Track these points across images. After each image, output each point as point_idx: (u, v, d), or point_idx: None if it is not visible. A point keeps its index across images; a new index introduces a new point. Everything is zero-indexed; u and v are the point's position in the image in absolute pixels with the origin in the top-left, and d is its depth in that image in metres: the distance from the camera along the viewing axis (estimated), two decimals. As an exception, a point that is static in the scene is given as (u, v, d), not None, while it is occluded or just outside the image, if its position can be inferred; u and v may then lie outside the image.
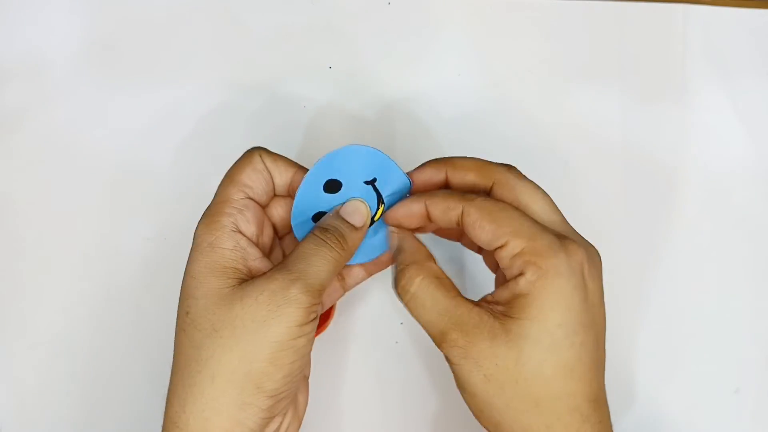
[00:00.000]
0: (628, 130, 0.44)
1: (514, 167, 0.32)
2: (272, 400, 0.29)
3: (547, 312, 0.28)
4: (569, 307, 0.28)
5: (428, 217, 0.32)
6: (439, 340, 0.30)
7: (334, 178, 0.33)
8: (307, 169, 0.32)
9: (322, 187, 0.33)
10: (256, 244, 0.32)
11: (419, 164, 0.34)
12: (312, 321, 0.29)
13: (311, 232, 0.31)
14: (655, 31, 0.45)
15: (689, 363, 0.42)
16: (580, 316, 0.28)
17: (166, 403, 0.30)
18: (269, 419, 0.30)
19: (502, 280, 0.31)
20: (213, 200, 0.32)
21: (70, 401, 0.41)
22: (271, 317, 0.28)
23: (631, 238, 0.43)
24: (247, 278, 0.30)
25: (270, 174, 0.32)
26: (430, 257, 0.32)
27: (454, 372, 0.30)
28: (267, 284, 0.29)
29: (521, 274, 0.28)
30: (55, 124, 0.44)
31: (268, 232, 0.33)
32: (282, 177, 0.33)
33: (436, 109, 0.44)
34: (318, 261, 0.30)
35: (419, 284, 0.30)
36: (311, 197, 0.33)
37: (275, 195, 0.34)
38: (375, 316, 0.42)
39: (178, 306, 0.30)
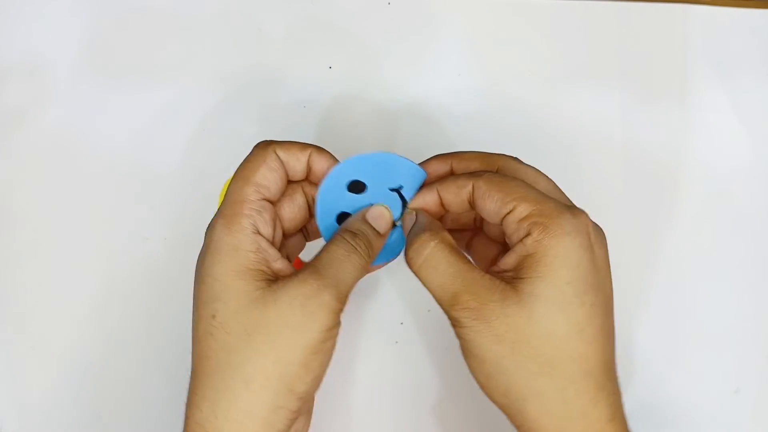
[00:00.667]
0: (628, 130, 0.44)
1: (516, 157, 0.33)
2: (301, 401, 0.29)
3: (556, 269, 0.28)
4: (577, 265, 0.28)
5: (442, 205, 0.32)
6: (450, 303, 0.29)
7: (359, 179, 0.33)
8: (320, 147, 0.32)
9: (345, 186, 0.33)
10: (273, 245, 0.31)
11: (424, 159, 0.34)
12: (339, 324, 0.30)
13: (340, 234, 0.31)
14: (655, 31, 0.45)
15: (689, 363, 0.42)
16: (588, 276, 0.28)
17: (190, 407, 0.29)
18: (295, 420, 0.30)
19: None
20: (228, 199, 0.31)
21: (70, 401, 0.41)
22: (305, 322, 0.28)
23: (631, 237, 0.43)
24: (272, 277, 0.30)
25: (285, 169, 0.32)
26: (444, 229, 0.32)
27: (462, 338, 0.29)
28: (300, 288, 0.29)
29: (528, 234, 0.29)
30: (55, 123, 0.44)
31: (279, 233, 0.33)
32: (299, 163, 0.32)
33: (436, 109, 0.44)
34: (349, 267, 0.30)
35: (434, 248, 0.30)
36: (334, 195, 0.33)
37: (290, 182, 0.33)
38: (375, 317, 0.42)
39: (198, 309, 0.30)
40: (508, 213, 0.29)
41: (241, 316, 0.29)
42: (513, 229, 0.29)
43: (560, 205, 0.29)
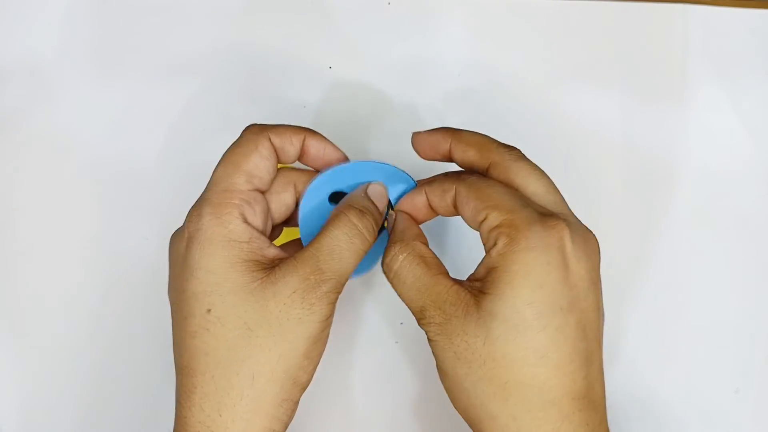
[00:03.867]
0: (628, 130, 0.44)
1: (517, 149, 0.31)
2: (303, 391, 0.29)
3: (516, 288, 0.26)
4: (541, 285, 0.26)
5: (431, 207, 0.32)
6: (418, 317, 0.29)
7: (340, 189, 0.32)
8: (313, 130, 0.32)
9: (327, 198, 0.32)
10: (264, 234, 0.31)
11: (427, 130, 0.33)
12: (334, 311, 0.30)
13: (344, 212, 0.30)
14: (655, 31, 0.45)
15: (689, 363, 0.42)
16: (555, 296, 0.27)
17: (189, 406, 0.28)
18: (296, 409, 0.30)
19: None
20: (215, 187, 0.30)
21: (70, 401, 0.41)
22: (306, 314, 0.28)
23: (631, 237, 0.43)
24: (268, 266, 0.29)
25: (276, 156, 0.31)
26: (419, 236, 0.31)
27: (431, 350, 0.29)
28: (300, 282, 0.28)
29: (494, 245, 0.27)
30: (54, 123, 0.44)
31: (269, 223, 0.32)
32: (293, 147, 0.31)
33: (436, 109, 0.44)
34: (350, 257, 0.29)
35: (402, 262, 0.30)
36: (316, 208, 0.32)
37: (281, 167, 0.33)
38: (375, 316, 0.42)
39: (189, 303, 0.29)
40: (482, 221, 0.28)
41: (240, 309, 0.28)
42: (485, 237, 0.28)
43: (533, 215, 0.27)
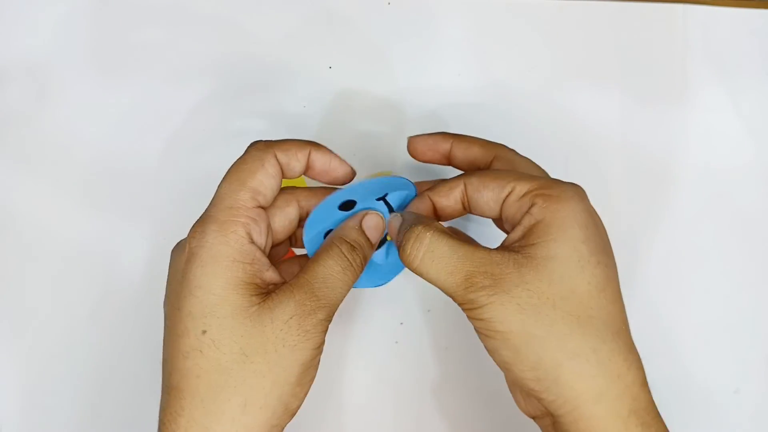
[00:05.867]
0: (628, 130, 0.44)
1: (513, 149, 0.34)
2: (292, 417, 0.29)
3: (568, 229, 0.28)
4: (586, 225, 0.28)
5: (435, 214, 0.32)
6: (463, 286, 0.28)
7: (351, 199, 0.32)
8: (317, 143, 0.32)
9: (336, 207, 0.32)
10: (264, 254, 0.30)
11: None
12: (324, 340, 0.30)
13: (336, 245, 0.30)
14: (655, 31, 0.45)
15: (689, 363, 0.42)
16: (598, 238, 0.28)
17: (173, 429, 0.28)
18: None
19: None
20: (220, 203, 0.29)
21: (69, 401, 0.41)
22: (301, 341, 0.28)
23: (630, 237, 0.43)
24: (264, 290, 0.29)
25: (282, 173, 0.31)
26: (436, 220, 0.31)
27: (481, 318, 0.28)
28: (296, 308, 0.28)
29: (533, 205, 0.29)
30: (54, 124, 0.44)
31: (270, 241, 0.32)
32: (299, 163, 0.31)
33: (436, 110, 0.44)
34: (342, 286, 0.29)
35: (432, 237, 0.28)
36: (324, 215, 0.32)
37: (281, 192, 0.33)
38: (375, 316, 0.42)
39: (184, 321, 0.28)
40: (508, 195, 0.29)
41: (236, 333, 0.27)
42: (515, 208, 0.29)
43: (556, 180, 0.30)
